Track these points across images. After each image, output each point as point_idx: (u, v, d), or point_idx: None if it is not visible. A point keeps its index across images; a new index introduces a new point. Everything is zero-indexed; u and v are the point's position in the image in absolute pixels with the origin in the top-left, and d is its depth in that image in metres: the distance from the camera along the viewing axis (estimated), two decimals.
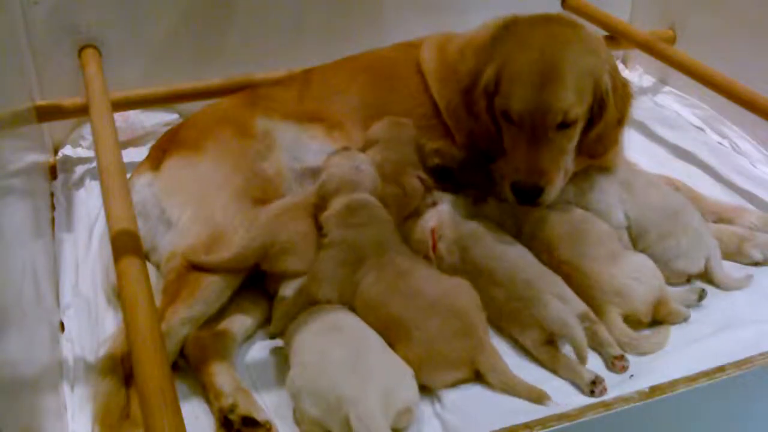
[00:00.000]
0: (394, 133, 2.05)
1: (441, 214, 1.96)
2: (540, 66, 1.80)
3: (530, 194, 1.84)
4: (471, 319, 1.67)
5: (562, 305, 1.69)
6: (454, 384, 1.65)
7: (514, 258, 1.81)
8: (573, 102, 1.81)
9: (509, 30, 1.94)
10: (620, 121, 1.96)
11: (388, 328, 1.66)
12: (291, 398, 1.56)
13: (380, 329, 1.67)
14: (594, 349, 1.71)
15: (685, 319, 1.81)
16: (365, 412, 1.43)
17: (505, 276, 1.77)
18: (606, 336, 1.70)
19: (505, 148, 1.92)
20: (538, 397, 1.59)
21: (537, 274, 1.77)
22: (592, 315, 1.72)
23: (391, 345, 1.64)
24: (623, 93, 1.95)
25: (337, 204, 1.83)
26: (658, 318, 1.80)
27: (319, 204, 1.87)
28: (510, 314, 1.74)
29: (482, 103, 1.92)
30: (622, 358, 1.66)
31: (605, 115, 1.88)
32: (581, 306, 1.72)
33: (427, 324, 1.64)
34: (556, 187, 1.86)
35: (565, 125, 1.83)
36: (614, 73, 1.92)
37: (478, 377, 1.66)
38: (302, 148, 2.07)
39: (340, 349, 1.56)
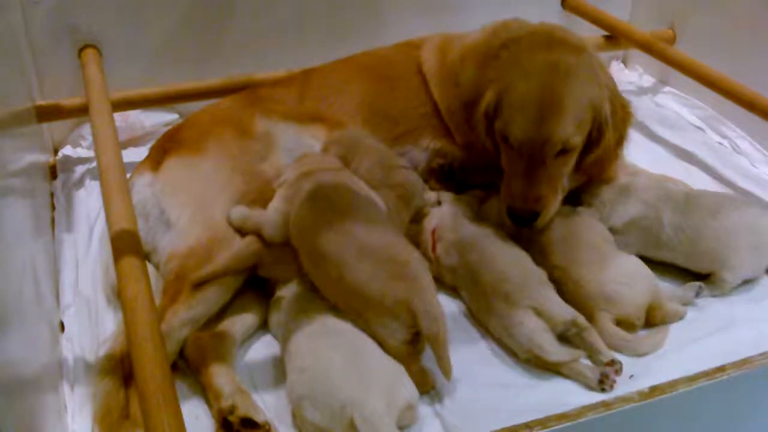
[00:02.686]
0: (357, 142, 2.05)
1: (442, 214, 1.96)
2: (541, 96, 1.81)
3: (526, 219, 1.86)
4: (411, 267, 1.63)
5: (537, 323, 1.67)
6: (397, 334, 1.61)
7: (503, 267, 1.78)
8: (572, 132, 1.82)
9: (510, 51, 1.93)
10: (619, 142, 1.97)
11: (324, 270, 1.67)
12: (291, 404, 1.56)
13: (315, 273, 1.69)
14: (587, 356, 1.70)
15: (682, 318, 1.81)
16: (371, 414, 1.43)
17: (490, 285, 1.76)
18: (596, 342, 1.68)
19: (503, 169, 1.93)
20: (446, 367, 1.58)
21: (521, 284, 1.74)
22: (581, 321, 1.70)
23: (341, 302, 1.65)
24: (623, 114, 1.95)
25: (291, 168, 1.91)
26: (655, 321, 1.80)
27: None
28: (498, 326, 1.73)
29: (482, 125, 1.92)
30: (612, 363, 1.64)
31: (603, 140, 1.89)
32: (570, 313, 1.70)
33: (359, 265, 1.63)
34: (551, 211, 1.88)
35: (563, 152, 1.84)
36: (614, 97, 1.92)
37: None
38: (302, 149, 2.07)
39: (336, 352, 1.55)
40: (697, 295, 1.85)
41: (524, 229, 1.92)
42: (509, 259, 1.81)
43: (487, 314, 1.76)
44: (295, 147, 2.08)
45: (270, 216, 1.82)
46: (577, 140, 1.84)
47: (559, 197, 1.90)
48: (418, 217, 1.99)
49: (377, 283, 1.61)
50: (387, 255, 1.65)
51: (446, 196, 2.05)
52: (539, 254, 1.87)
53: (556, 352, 1.65)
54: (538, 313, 1.69)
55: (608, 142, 1.89)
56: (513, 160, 1.88)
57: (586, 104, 1.84)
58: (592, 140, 1.89)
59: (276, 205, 1.84)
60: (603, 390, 1.61)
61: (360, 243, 1.66)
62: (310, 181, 1.83)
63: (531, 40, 1.93)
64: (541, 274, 1.79)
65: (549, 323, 1.68)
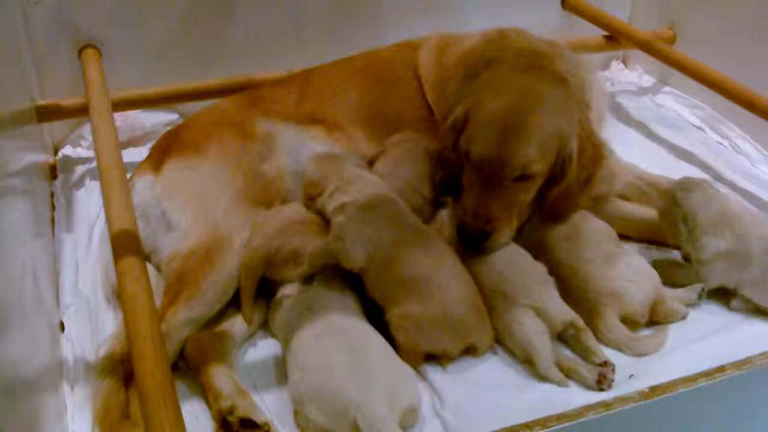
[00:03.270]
0: (403, 151, 2.04)
1: (441, 219, 1.96)
2: (507, 117, 1.80)
3: (474, 239, 1.82)
4: (481, 300, 1.72)
5: (535, 322, 1.67)
6: (442, 353, 1.68)
7: (501, 266, 1.78)
8: (534, 158, 1.80)
9: (492, 69, 1.91)
10: (587, 181, 1.92)
11: (405, 285, 1.69)
12: (294, 404, 1.56)
13: (395, 285, 1.70)
14: (582, 357, 1.70)
15: (684, 317, 1.81)
16: (374, 415, 1.43)
17: (489, 285, 1.76)
18: (592, 345, 1.68)
19: (462, 186, 1.91)
20: None
21: (521, 283, 1.74)
22: (579, 323, 1.70)
23: (398, 300, 1.68)
24: (594, 155, 1.91)
25: (332, 180, 1.89)
26: (657, 319, 1.80)
27: (310, 192, 1.93)
28: (498, 326, 1.73)
29: (450, 138, 1.91)
30: (606, 364, 1.64)
31: (567, 176, 1.86)
32: (567, 314, 1.70)
33: (449, 286, 1.68)
34: (503, 235, 1.84)
35: (523, 178, 1.82)
36: (585, 135, 1.88)
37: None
38: (302, 150, 2.07)
39: (340, 352, 1.55)
40: (699, 297, 1.85)
41: (525, 226, 1.92)
42: (508, 258, 1.81)
43: (492, 314, 1.76)
44: (296, 148, 2.08)
45: (351, 248, 1.74)
46: (538, 168, 1.81)
47: (514, 225, 1.86)
48: None
49: (458, 307, 1.67)
50: (468, 278, 1.74)
51: (445, 200, 2.04)
52: (542, 252, 1.87)
53: (547, 363, 1.64)
54: (538, 312, 1.69)
55: (572, 177, 1.86)
56: (472, 177, 1.86)
57: (553, 134, 1.81)
58: (556, 173, 1.86)
59: (352, 233, 1.77)
60: (601, 390, 1.61)
61: (451, 263, 1.75)
62: (385, 209, 1.83)
63: (514, 62, 1.91)
64: (541, 271, 1.79)
65: (548, 324, 1.68)
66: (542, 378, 1.66)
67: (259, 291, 1.84)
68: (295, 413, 1.56)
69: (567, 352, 1.72)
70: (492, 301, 1.74)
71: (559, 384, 1.64)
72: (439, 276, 1.70)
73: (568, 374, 1.66)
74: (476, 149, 1.82)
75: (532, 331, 1.67)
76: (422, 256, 1.73)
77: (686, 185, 1.93)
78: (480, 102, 1.85)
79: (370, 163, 2.07)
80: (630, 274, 1.80)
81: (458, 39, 2.20)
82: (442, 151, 2.01)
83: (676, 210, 1.90)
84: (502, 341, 1.74)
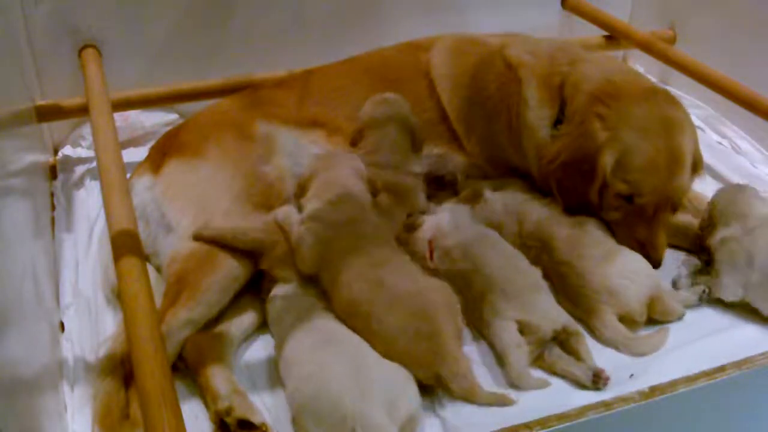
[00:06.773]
0: (381, 121, 2.04)
1: (438, 222, 1.95)
2: (667, 157, 1.84)
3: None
4: (438, 323, 1.62)
5: (513, 337, 1.65)
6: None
7: (491, 273, 1.76)
8: (688, 185, 1.93)
9: (615, 105, 1.88)
10: None
11: (353, 315, 1.67)
12: (292, 413, 1.54)
13: (346, 317, 1.68)
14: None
15: (680, 317, 1.81)
16: (372, 425, 1.41)
17: (479, 293, 1.75)
18: (582, 351, 1.67)
19: (610, 221, 1.92)
20: (501, 400, 1.58)
21: (509, 293, 1.72)
22: (572, 328, 1.69)
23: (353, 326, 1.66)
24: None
25: (314, 184, 1.88)
26: (653, 316, 1.80)
27: (297, 192, 1.94)
28: (486, 333, 1.74)
29: (597, 185, 1.89)
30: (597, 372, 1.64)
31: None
32: (558, 322, 1.68)
33: (387, 318, 1.63)
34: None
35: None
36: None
37: None
38: (303, 153, 2.07)
39: (337, 362, 1.53)
40: (701, 299, 1.85)
41: (526, 225, 1.94)
42: (499, 265, 1.78)
43: (479, 320, 1.76)
44: (296, 151, 2.07)
45: (305, 252, 1.78)
46: None
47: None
48: (410, 228, 1.98)
49: (404, 340, 1.60)
50: (415, 304, 1.65)
51: (444, 205, 2.04)
52: (543, 251, 1.87)
53: (521, 376, 1.63)
54: (524, 325, 1.67)
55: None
56: (632, 216, 1.89)
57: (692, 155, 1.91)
58: None
59: (309, 241, 1.79)
60: (598, 389, 1.61)
61: (390, 291, 1.66)
62: (326, 220, 1.81)
63: (632, 93, 1.90)
64: (534, 276, 1.77)
65: (536, 335, 1.67)
66: (541, 375, 1.66)
67: (257, 292, 1.85)
68: (293, 420, 1.54)
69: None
70: (481, 311, 1.73)
71: (536, 388, 1.63)
72: (379, 307, 1.64)
73: (563, 375, 1.65)
74: (646, 194, 1.85)
75: (508, 347, 1.65)
76: (364, 285, 1.68)
77: (729, 185, 2.03)
78: (632, 147, 1.85)
79: (352, 143, 2.08)
80: (627, 272, 1.79)
81: (472, 41, 2.18)
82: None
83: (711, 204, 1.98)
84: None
